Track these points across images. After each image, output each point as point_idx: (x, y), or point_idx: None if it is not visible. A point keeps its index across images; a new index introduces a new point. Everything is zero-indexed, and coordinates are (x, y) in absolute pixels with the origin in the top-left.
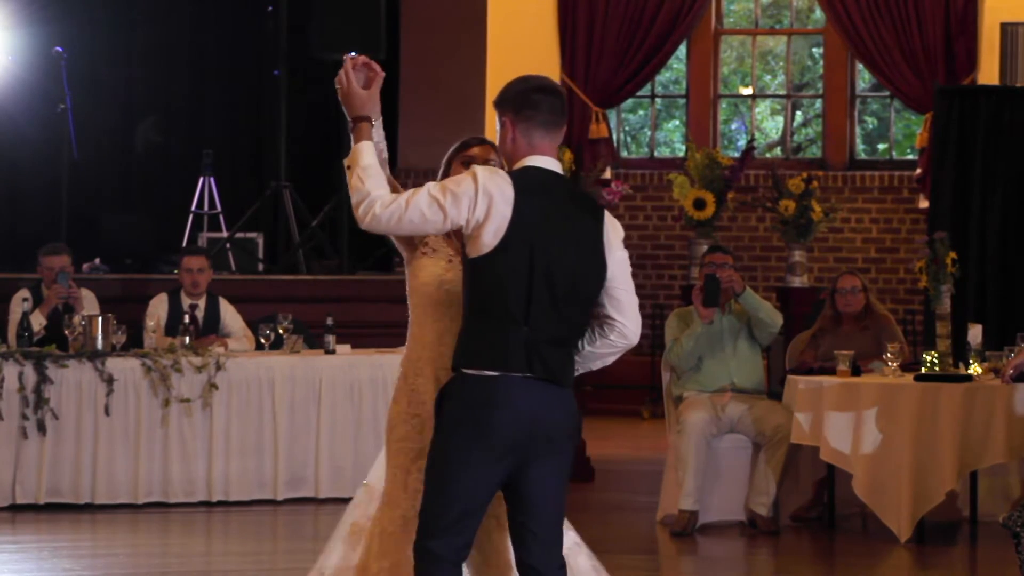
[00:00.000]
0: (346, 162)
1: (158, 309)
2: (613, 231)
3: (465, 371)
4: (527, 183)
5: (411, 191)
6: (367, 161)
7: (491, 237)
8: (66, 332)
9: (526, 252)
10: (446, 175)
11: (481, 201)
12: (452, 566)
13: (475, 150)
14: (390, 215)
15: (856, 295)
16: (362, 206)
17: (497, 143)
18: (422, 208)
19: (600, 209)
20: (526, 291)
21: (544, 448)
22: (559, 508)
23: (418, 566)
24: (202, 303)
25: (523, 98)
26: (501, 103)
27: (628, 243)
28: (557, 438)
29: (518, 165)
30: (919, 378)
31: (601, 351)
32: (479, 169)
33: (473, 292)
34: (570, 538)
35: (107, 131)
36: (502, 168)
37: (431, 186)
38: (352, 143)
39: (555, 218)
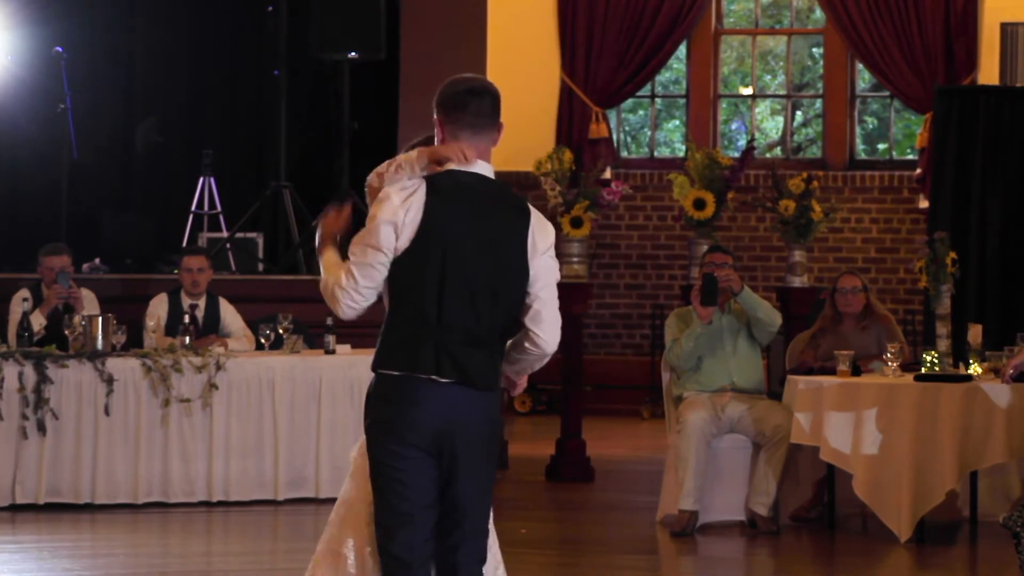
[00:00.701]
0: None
1: (158, 309)
2: (540, 234)
3: (379, 371)
4: (444, 185)
5: (347, 264)
6: (330, 259)
7: (404, 240)
8: (66, 332)
9: (438, 253)
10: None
11: (398, 222)
12: (418, 568)
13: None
14: (351, 299)
15: (856, 295)
16: (330, 303)
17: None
18: (371, 268)
19: (527, 212)
20: (437, 292)
21: (463, 451)
22: (483, 510)
23: (385, 573)
24: (202, 303)
25: (453, 100)
26: (436, 104)
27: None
28: (474, 441)
29: (446, 167)
30: (919, 378)
31: (516, 356)
32: (385, 192)
33: (390, 294)
34: (493, 558)
35: (107, 131)
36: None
37: (353, 251)
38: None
39: (473, 220)
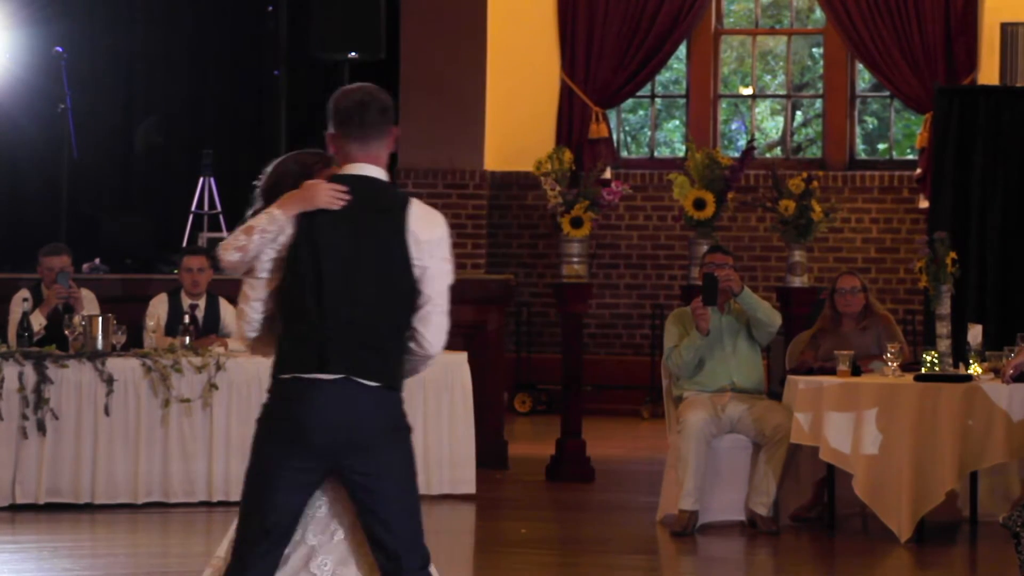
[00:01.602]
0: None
1: (158, 309)
2: (422, 226)
3: (274, 376)
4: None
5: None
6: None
7: (284, 249)
8: (66, 332)
9: (314, 256)
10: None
11: (270, 235)
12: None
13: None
14: (249, 319)
15: (856, 295)
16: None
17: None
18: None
19: (405, 206)
20: (316, 295)
21: (360, 451)
22: (406, 509)
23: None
24: (202, 303)
25: (339, 115)
26: (329, 117)
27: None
28: (370, 439)
29: (337, 172)
30: (919, 378)
31: (407, 358)
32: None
33: (277, 303)
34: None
35: (107, 131)
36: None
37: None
38: None
39: (352, 221)
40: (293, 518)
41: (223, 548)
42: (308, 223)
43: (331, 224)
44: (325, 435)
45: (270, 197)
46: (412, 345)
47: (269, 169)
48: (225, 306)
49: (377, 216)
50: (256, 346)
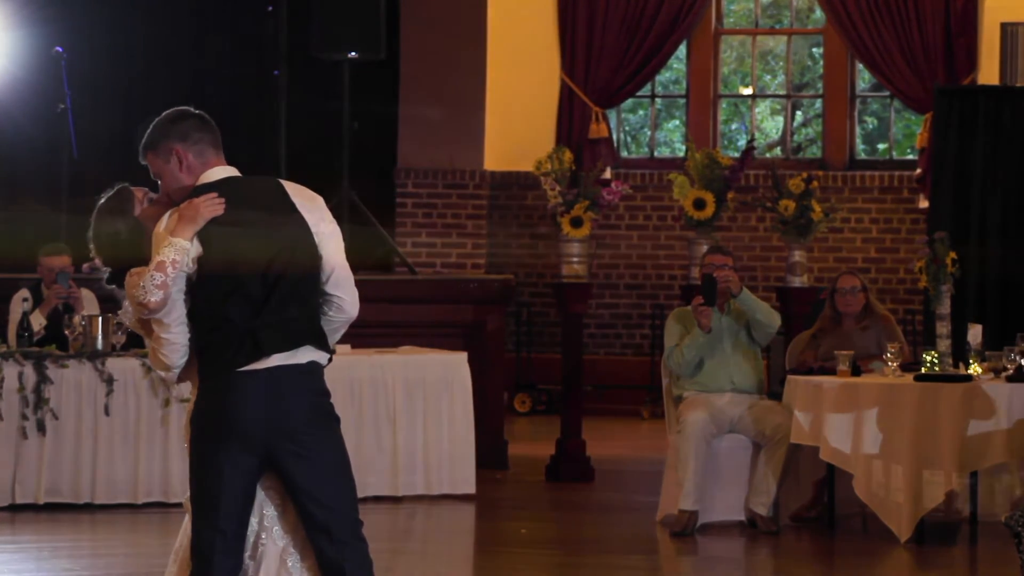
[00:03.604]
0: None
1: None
2: (303, 197)
3: (202, 381)
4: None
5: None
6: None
7: (194, 269)
8: (66, 332)
9: (225, 263)
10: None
11: (180, 264)
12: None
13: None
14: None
15: (856, 295)
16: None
17: (166, 179)
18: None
19: (279, 188)
20: (239, 296)
21: (289, 434)
22: (339, 491)
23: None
24: None
25: (186, 127)
26: (164, 139)
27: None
28: (297, 422)
29: (199, 183)
30: (919, 378)
31: (325, 327)
32: (160, 246)
33: (191, 316)
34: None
35: (107, 131)
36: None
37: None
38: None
39: (243, 218)
40: (243, 513)
41: (170, 570)
42: (206, 236)
43: (227, 229)
44: (257, 424)
45: (106, 244)
46: (331, 312)
47: (97, 217)
48: None
49: (262, 204)
50: (183, 376)
